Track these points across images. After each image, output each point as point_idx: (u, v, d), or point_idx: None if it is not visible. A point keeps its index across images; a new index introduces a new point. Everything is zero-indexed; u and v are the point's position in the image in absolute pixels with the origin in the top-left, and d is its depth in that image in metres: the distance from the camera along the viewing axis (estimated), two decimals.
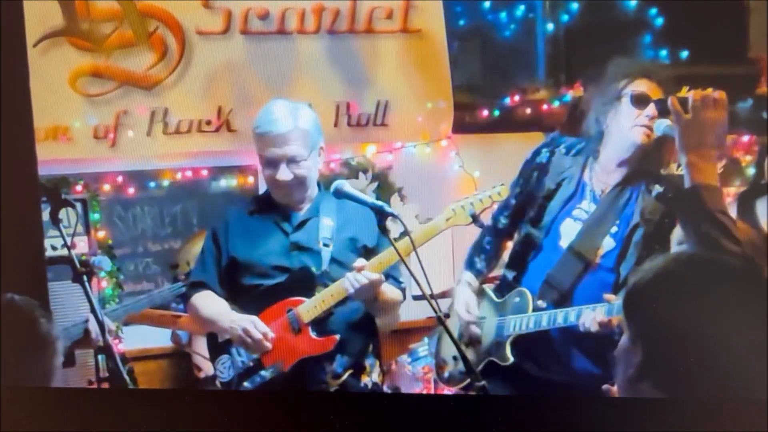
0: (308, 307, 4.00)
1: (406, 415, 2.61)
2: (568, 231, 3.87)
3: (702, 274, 2.20)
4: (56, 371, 2.78)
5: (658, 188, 3.81)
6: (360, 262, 3.96)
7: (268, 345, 4.00)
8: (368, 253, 4.10)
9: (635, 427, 2.28)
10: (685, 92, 3.17)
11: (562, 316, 3.76)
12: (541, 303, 3.85)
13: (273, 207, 4.11)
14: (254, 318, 4.01)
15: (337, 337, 4.00)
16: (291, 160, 3.98)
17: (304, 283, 4.02)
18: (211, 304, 4.09)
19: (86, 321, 4.30)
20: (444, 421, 2.57)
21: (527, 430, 2.50)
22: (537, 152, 4.01)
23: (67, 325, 4.32)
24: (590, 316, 3.63)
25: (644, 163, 3.81)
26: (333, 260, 4.04)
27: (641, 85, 3.78)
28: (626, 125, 3.77)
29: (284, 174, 3.99)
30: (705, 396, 2.12)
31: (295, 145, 3.97)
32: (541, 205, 3.93)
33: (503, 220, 4.07)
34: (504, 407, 2.73)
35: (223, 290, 4.10)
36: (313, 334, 4.01)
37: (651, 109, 3.74)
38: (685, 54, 6.09)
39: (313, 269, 4.03)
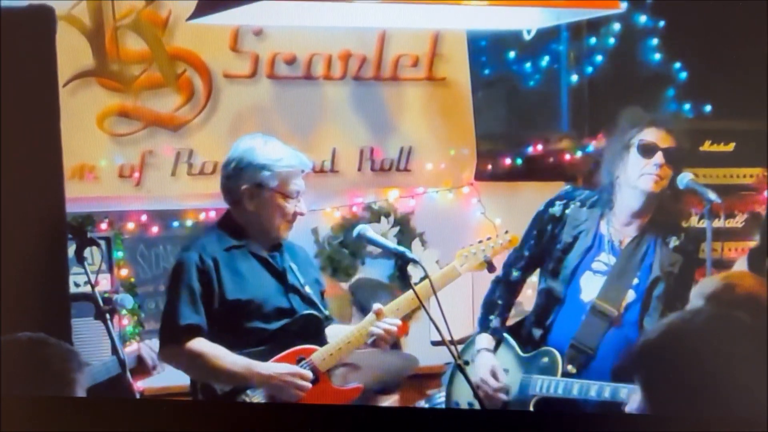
0: (323, 356, 3.83)
1: None
2: (589, 285, 3.88)
3: (712, 332, 2.21)
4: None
5: (675, 240, 3.82)
6: (377, 306, 3.87)
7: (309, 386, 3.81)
8: (324, 295, 4.05)
9: None
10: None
11: (595, 390, 3.71)
12: (570, 368, 3.84)
13: (253, 245, 3.92)
14: (287, 365, 3.81)
15: (362, 386, 3.87)
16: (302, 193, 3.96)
17: (312, 328, 3.88)
18: (225, 354, 3.79)
19: (138, 349, 4.30)
20: None
21: None
22: (550, 204, 4.03)
23: (107, 359, 4.31)
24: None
25: (661, 214, 3.83)
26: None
27: (649, 134, 3.82)
28: (634, 175, 3.81)
29: (303, 206, 3.95)
30: None
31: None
32: (559, 258, 3.94)
33: (515, 273, 4.07)
34: None
35: (212, 335, 3.81)
36: (334, 384, 3.87)
37: (659, 157, 3.78)
38: (708, 108, 6.11)
39: (317, 314, 3.90)
